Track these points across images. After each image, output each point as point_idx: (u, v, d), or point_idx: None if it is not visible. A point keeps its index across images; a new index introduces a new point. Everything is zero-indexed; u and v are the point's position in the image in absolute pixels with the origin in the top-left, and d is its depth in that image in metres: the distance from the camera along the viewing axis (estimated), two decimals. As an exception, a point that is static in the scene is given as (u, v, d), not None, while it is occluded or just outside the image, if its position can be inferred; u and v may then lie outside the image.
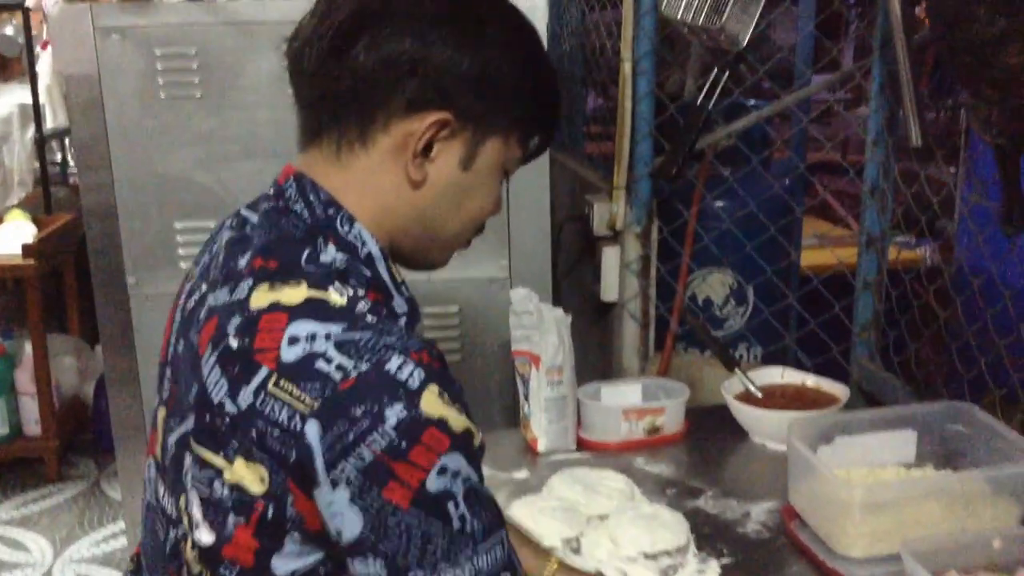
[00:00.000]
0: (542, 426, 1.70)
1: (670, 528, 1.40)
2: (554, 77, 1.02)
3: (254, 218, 0.97)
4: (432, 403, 0.82)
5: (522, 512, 1.46)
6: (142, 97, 2.01)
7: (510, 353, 1.76)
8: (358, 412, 0.81)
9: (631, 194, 2.12)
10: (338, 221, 0.93)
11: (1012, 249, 1.55)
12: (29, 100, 3.73)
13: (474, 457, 0.86)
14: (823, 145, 2.16)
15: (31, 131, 3.85)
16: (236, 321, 0.88)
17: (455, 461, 0.83)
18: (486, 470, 1.63)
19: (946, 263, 1.97)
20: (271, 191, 0.98)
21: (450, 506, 0.83)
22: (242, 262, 0.92)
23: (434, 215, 0.97)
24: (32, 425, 3.34)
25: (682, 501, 1.53)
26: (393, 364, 0.82)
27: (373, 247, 0.94)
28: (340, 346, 0.83)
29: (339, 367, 0.82)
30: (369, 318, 0.86)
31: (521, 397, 1.75)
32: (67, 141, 4.32)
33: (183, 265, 2.10)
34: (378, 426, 0.80)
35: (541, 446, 1.71)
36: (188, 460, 0.90)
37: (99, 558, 2.90)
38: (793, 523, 1.40)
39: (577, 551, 1.40)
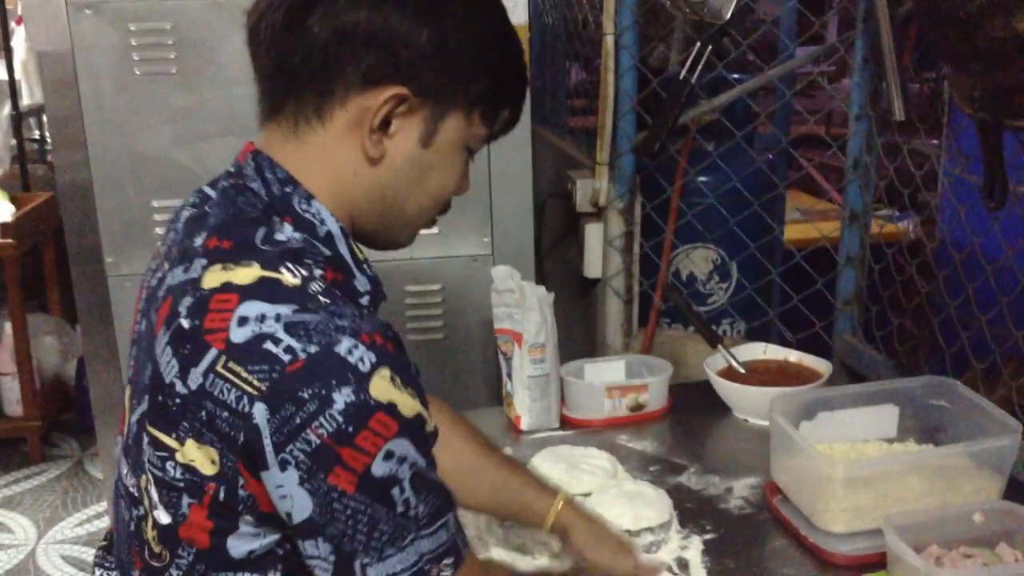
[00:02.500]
0: (525, 404, 1.70)
1: (653, 505, 1.40)
2: (518, 50, 0.98)
3: (213, 195, 0.95)
4: (382, 387, 0.81)
5: (505, 490, 1.46)
6: (117, 74, 1.97)
7: (493, 331, 1.75)
8: (306, 395, 0.79)
9: (614, 170, 2.10)
10: (295, 199, 0.91)
11: (994, 223, 1.55)
12: (4, 76, 3.68)
13: (423, 442, 0.85)
14: (807, 119, 2.15)
15: (7, 108, 3.79)
16: (188, 301, 0.86)
17: (402, 446, 0.82)
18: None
19: (928, 237, 1.96)
20: (231, 168, 0.96)
21: (395, 491, 0.83)
22: (198, 241, 0.91)
23: (394, 192, 0.95)
24: (14, 405, 3.31)
25: (665, 478, 1.53)
26: (343, 346, 0.81)
27: (332, 225, 0.92)
28: (289, 327, 0.81)
29: (288, 348, 0.80)
30: (322, 299, 0.84)
31: (504, 375, 1.74)
32: (44, 118, 4.26)
33: (160, 244, 2.07)
34: (325, 410, 0.79)
35: (524, 424, 1.70)
36: (145, 440, 0.89)
37: (83, 538, 2.89)
38: (775, 499, 1.40)
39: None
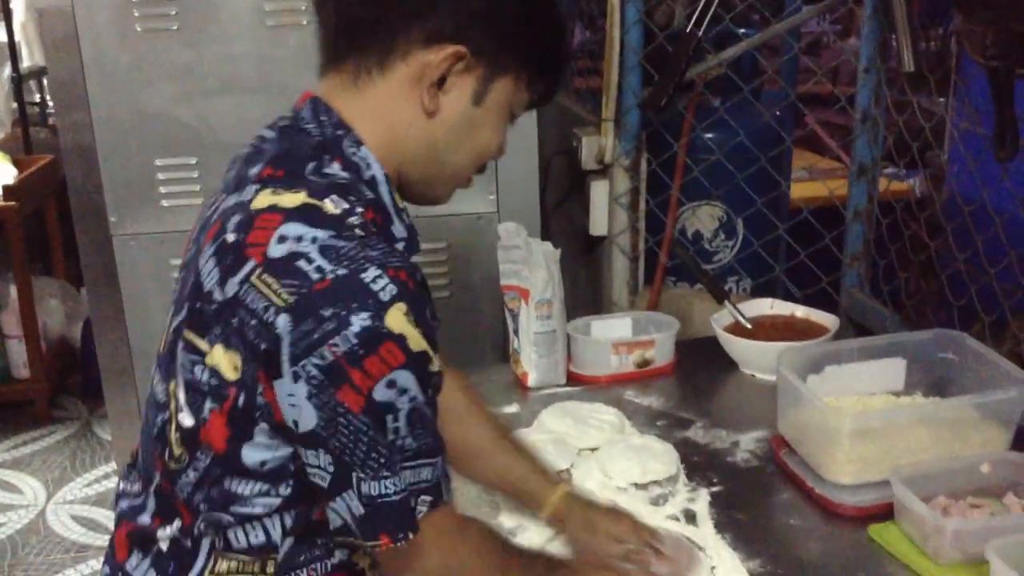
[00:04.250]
0: (532, 361, 1.70)
1: (660, 459, 1.41)
2: (561, 21, 1.04)
3: (270, 135, 1.01)
4: (397, 319, 0.85)
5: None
6: (118, 31, 1.96)
7: (499, 288, 1.74)
8: (327, 313, 0.84)
9: (620, 126, 2.09)
10: (345, 142, 0.97)
11: (1004, 175, 1.54)
12: (4, 38, 3.64)
13: (425, 379, 0.89)
14: (813, 77, 2.13)
15: (7, 70, 3.76)
16: (236, 219, 0.92)
17: (404, 378, 0.87)
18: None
19: (937, 193, 1.95)
20: (290, 113, 1.02)
21: (389, 419, 0.87)
22: (253, 171, 0.97)
23: (444, 146, 1.00)
24: (21, 368, 3.32)
25: (672, 432, 1.53)
26: (369, 274, 0.86)
27: (378, 171, 0.97)
28: (323, 250, 0.87)
29: (318, 268, 0.86)
30: (358, 231, 0.89)
31: (511, 332, 1.74)
32: (45, 80, 4.23)
33: (164, 203, 2.07)
34: (342, 330, 0.84)
35: (531, 381, 1.70)
36: (180, 346, 0.95)
37: (91, 498, 2.91)
38: (782, 451, 1.41)
39: (568, 482, 1.40)
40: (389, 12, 0.95)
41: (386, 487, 0.89)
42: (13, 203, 3.15)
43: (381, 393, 0.86)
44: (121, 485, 1.10)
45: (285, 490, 0.94)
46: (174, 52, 1.98)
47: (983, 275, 1.59)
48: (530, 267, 1.67)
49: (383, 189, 0.98)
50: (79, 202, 2.09)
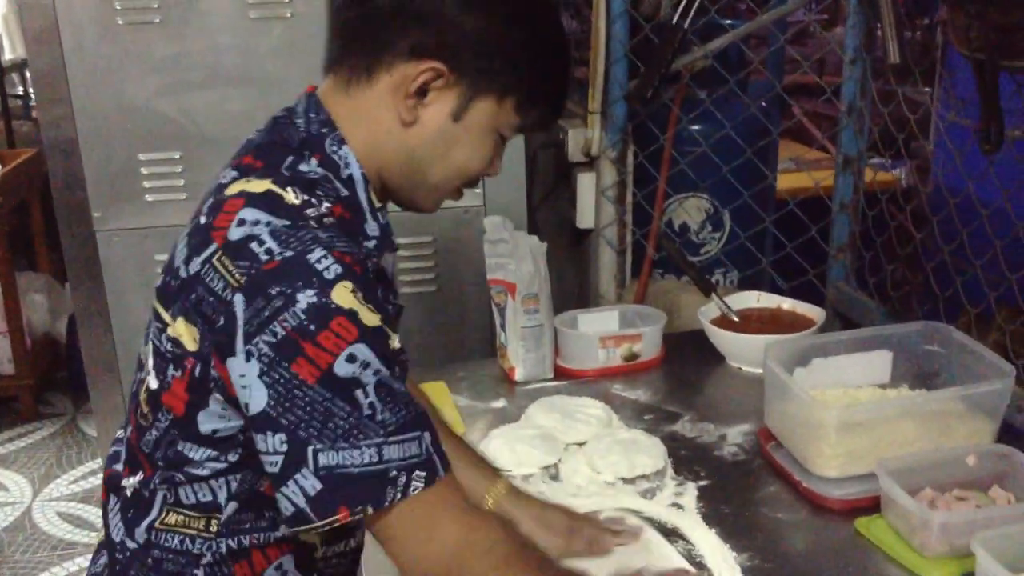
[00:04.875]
0: (519, 355, 1.69)
1: (648, 453, 1.41)
2: (564, 52, 1.06)
3: (265, 124, 1.05)
4: (343, 295, 0.88)
5: (500, 441, 1.46)
6: (99, 23, 1.94)
7: (486, 282, 1.74)
8: (274, 291, 0.88)
9: (606, 118, 2.08)
10: (328, 140, 1.00)
11: (989, 167, 1.54)
12: (-15, 31, 3.62)
13: (386, 355, 0.90)
14: (800, 67, 2.12)
15: (-11, 63, 3.73)
16: (210, 201, 0.98)
17: (362, 352, 0.88)
18: (464, 400, 1.64)
19: (922, 185, 1.95)
20: (289, 105, 1.06)
21: (359, 393, 0.88)
22: (238, 158, 1.02)
23: (420, 157, 1.02)
24: (5, 364, 3.30)
25: (659, 426, 1.53)
26: (315, 255, 0.89)
27: (355, 170, 1.00)
28: (274, 233, 0.91)
29: (268, 251, 0.90)
30: (311, 221, 0.93)
31: (497, 327, 1.73)
32: (28, 73, 4.20)
33: (148, 198, 2.05)
34: (289, 307, 0.87)
35: (518, 375, 1.70)
36: (152, 314, 1.01)
37: (78, 495, 2.89)
38: (769, 445, 1.41)
39: (556, 478, 1.41)
40: (380, 22, 0.98)
41: (344, 458, 0.88)
42: (-4, 198, 3.12)
43: (342, 368, 0.87)
44: (118, 432, 1.16)
45: (232, 456, 0.98)
46: (157, 45, 1.96)
47: (969, 267, 1.60)
48: (516, 261, 1.66)
49: (359, 187, 1.01)
50: (62, 197, 2.07)
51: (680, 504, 1.32)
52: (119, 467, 1.08)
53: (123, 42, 1.95)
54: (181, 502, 1.01)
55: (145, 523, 1.03)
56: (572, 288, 2.35)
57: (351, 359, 0.87)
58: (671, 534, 1.25)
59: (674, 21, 1.83)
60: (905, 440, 1.31)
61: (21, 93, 4.46)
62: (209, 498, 1.00)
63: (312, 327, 0.86)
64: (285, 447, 0.89)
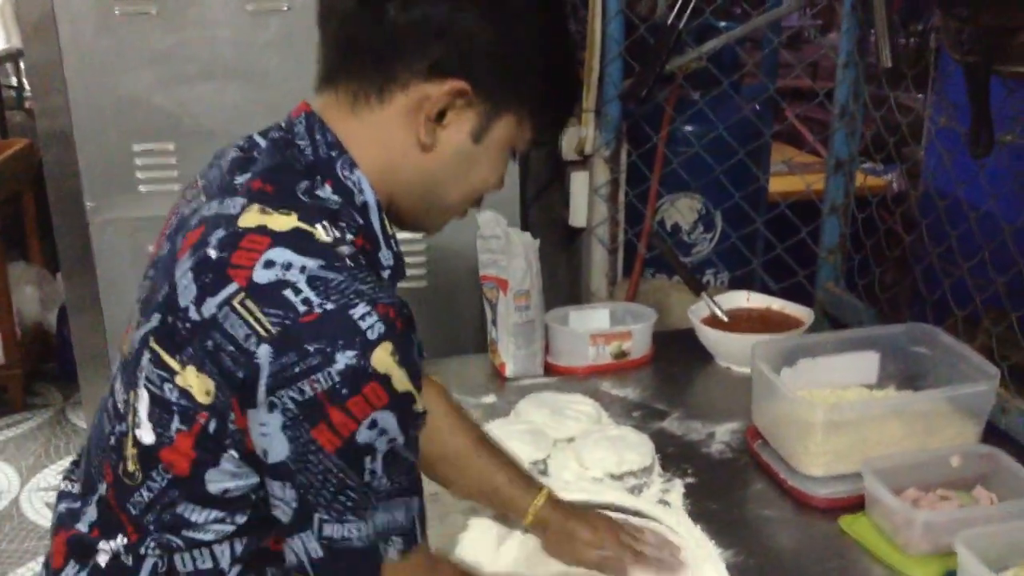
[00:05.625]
0: (510, 351, 1.70)
1: (636, 449, 1.42)
2: (574, 63, 1.04)
3: (262, 143, 0.98)
4: (383, 359, 0.82)
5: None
6: (96, 14, 1.94)
7: (478, 278, 1.75)
8: (311, 348, 0.81)
9: (600, 117, 2.09)
10: (339, 164, 0.93)
11: (980, 171, 1.55)
12: (-20, 20, 3.61)
13: (407, 419, 0.86)
14: (792, 72, 2.13)
15: (-17, 53, 3.73)
16: (220, 233, 0.88)
17: (386, 419, 0.84)
18: (454, 395, 1.64)
19: (913, 189, 1.97)
20: (282, 123, 0.98)
21: (367, 460, 0.84)
22: (240, 180, 0.93)
23: (438, 180, 0.97)
24: (-5, 354, 3.30)
25: (648, 423, 1.54)
26: (358, 311, 0.83)
27: (370, 196, 0.94)
28: (312, 281, 0.83)
29: (305, 300, 0.82)
30: (348, 262, 0.86)
31: (489, 322, 1.74)
32: (21, 64, 4.19)
33: (142, 188, 2.05)
34: (326, 367, 0.81)
35: (509, 371, 1.71)
36: (146, 357, 0.91)
37: (67, 485, 2.89)
38: (756, 443, 1.42)
39: (544, 473, 1.41)
40: (394, 39, 0.91)
41: (349, 531, 0.86)
42: (-12, 187, 3.12)
43: (363, 435, 0.83)
44: (63, 484, 1.06)
45: (241, 518, 0.92)
46: (153, 37, 1.96)
47: (956, 270, 1.61)
48: (509, 257, 1.67)
49: (374, 216, 0.94)
50: (56, 187, 2.07)
51: (667, 500, 1.33)
52: (83, 527, 0.97)
53: (120, 33, 1.95)
54: (176, 570, 0.93)
55: None
56: (564, 286, 2.36)
57: (372, 425, 0.83)
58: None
59: (669, 22, 1.85)
60: (891, 440, 1.32)
61: (15, 84, 4.46)
62: (209, 565, 0.93)
63: (344, 391, 0.81)
64: (295, 505, 0.86)
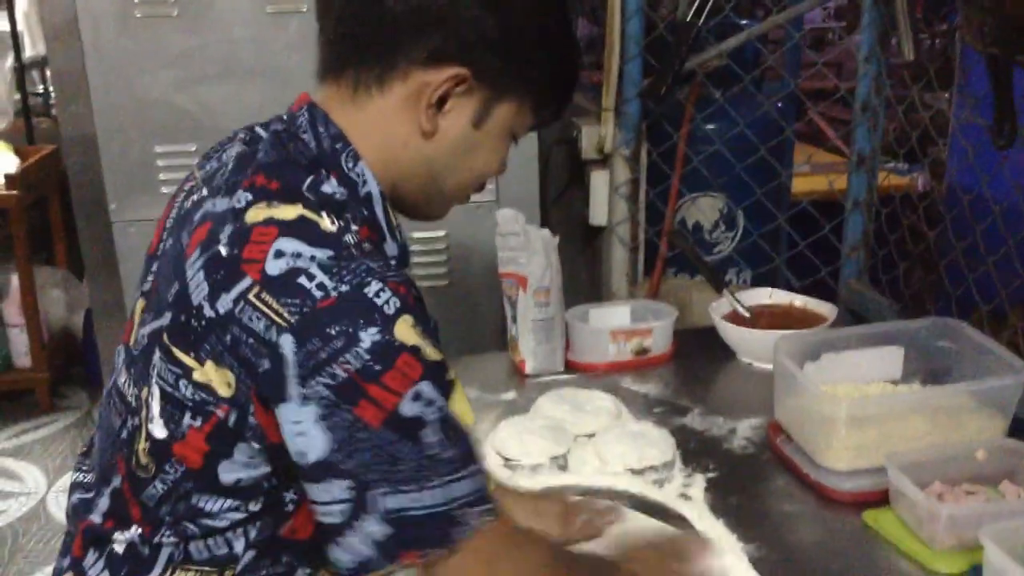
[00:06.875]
0: (530, 348, 1.70)
1: (656, 444, 1.41)
2: (575, 49, 1.03)
3: (265, 136, 0.98)
4: (406, 331, 0.83)
5: (510, 432, 1.46)
6: (118, 17, 1.95)
7: (497, 276, 1.74)
8: (333, 331, 0.82)
9: (620, 116, 2.08)
10: (343, 156, 0.94)
11: (1003, 164, 1.53)
12: (7, 28, 3.65)
13: (446, 389, 0.86)
14: (817, 74, 2.12)
15: (10, 60, 3.77)
16: (228, 230, 0.88)
17: (427, 390, 0.84)
18: (474, 392, 1.64)
19: (937, 185, 1.95)
20: (284, 116, 0.98)
21: (423, 433, 0.84)
22: (245, 176, 0.93)
23: (440, 167, 0.98)
24: (23, 357, 3.33)
25: (668, 419, 1.53)
26: (372, 289, 0.83)
27: (374, 187, 0.95)
28: (323, 266, 0.84)
29: (320, 285, 0.83)
30: (354, 249, 0.87)
31: (509, 319, 1.74)
32: (47, 70, 4.24)
33: (164, 190, 2.07)
34: (352, 347, 0.81)
35: (529, 368, 1.70)
36: (158, 354, 0.91)
37: (92, 487, 2.91)
38: (779, 438, 1.41)
39: (564, 468, 1.41)
40: (392, 27, 0.92)
41: (414, 500, 0.85)
42: (15, 192, 3.15)
43: (409, 408, 0.83)
44: (75, 476, 1.06)
45: (255, 506, 0.92)
46: (174, 38, 1.98)
47: (981, 265, 1.59)
48: (528, 254, 1.67)
49: (378, 206, 0.95)
50: (80, 189, 2.09)
51: (688, 495, 1.32)
52: (97, 517, 0.98)
53: (141, 36, 1.97)
54: (192, 558, 0.94)
55: None
56: (584, 286, 2.36)
57: (416, 397, 0.83)
58: (677, 521, 1.26)
59: (689, 19, 1.84)
60: (915, 435, 1.30)
61: (41, 91, 4.51)
62: (224, 551, 0.94)
63: (378, 367, 0.81)
64: (351, 493, 0.84)
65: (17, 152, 3.36)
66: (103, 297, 2.18)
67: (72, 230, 2.21)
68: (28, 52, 3.92)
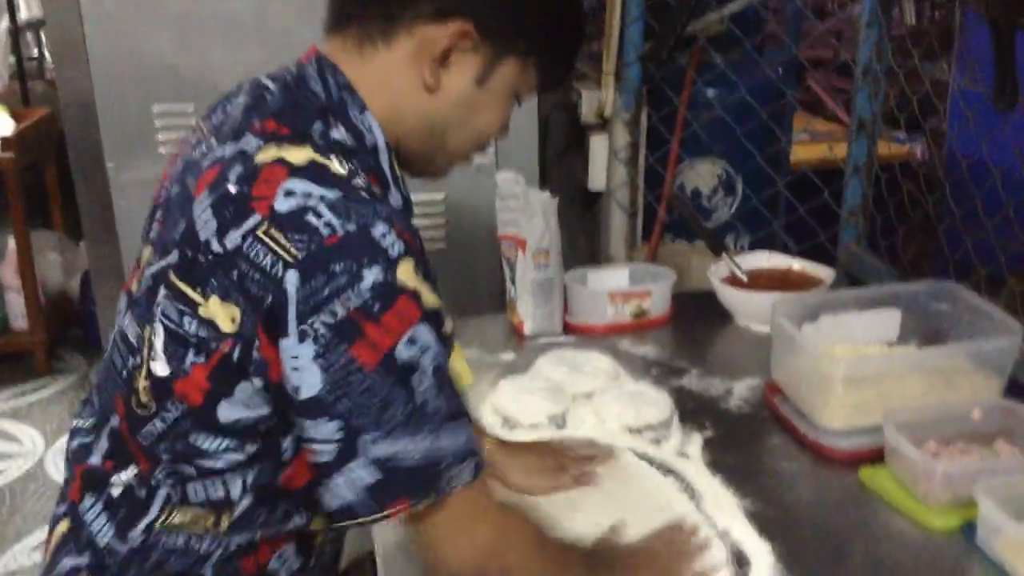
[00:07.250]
0: (528, 309, 1.70)
1: (654, 404, 1.42)
2: (580, 9, 1.03)
3: (273, 86, 0.98)
4: (407, 274, 0.84)
5: (508, 391, 1.47)
6: (116, -25, 1.95)
7: (496, 238, 1.74)
8: (337, 268, 0.83)
9: (620, 80, 2.08)
10: (351, 106, 0.95)
11: (1004, 127, 1.53)
12: (1, -10, 3.62)
13: (443, 338, 0.87)
14: (817, 42, 2.12)
15: (5, 22, 3.74)
16: (238, 169, 0.89)
17: (425, 335, 0.85)
18: (473, 353, 1.65)
19: (937, 152, 1.95)
20: (292, 66, 0.99)
21: (414, 379, 0.85)
22: (254, 122, 0.94)
23: (442, 124, 0.98)
24: (20, 320, 3.33)
25: (666, 380, 1.54)
26: (378, 230, 0.84)
27: (379, 138, 0.96)
28: (332, 206, 0.85)
29: (328, 224, 0.84)
30: (363, 192, 0.88)
31: (507, 281, 1.74)
32: (43, 34, 4.20)
33: (162, 150, 2.06)
34: (354, 284, 0.82)
35: (527, 329, 1.71)
36: (162, 292, 0.92)
37: (90, 449, 2.93)
38: (776, 398, 1.42)
39: (562, 427, 1.42)
40: None
41: (404, 447, 0.85)
42: (11, 155, 3.14)
43: (403, 351, 0.84)
44: (75, 422, 1.07)
45: (251, 448, 0.93)
46: (172, -1, 1.97)
47: (980, 230, 1.60)
48: (527, 216, 1.67)
49: (383, 157, 0.96)
50: (77, 149, 2.09)
51: (685, 453, 1.33)
52: (96, 460, 0.98)
53: (139, -6, 1.96)
54: (188, 499, 0.95)
55: (143, 524, 0.96)
56: (583, 250, 2.36)
57: (412, 342, 0.84)
58: (674, 476, 1.27)
59: (691, -20, 1.83)
60: (911, 395, 1.31)
61: (36, 55, 4.47)
62: (221, 494, 0.94)
63: (377, 307, 0.82)
64: (340, 435, 0.85)
65: (12, 115, 3.34)
66: (101, 261, 2.18)
67: (68, 194, 2.20)
68: (23, 15, 3.89)
